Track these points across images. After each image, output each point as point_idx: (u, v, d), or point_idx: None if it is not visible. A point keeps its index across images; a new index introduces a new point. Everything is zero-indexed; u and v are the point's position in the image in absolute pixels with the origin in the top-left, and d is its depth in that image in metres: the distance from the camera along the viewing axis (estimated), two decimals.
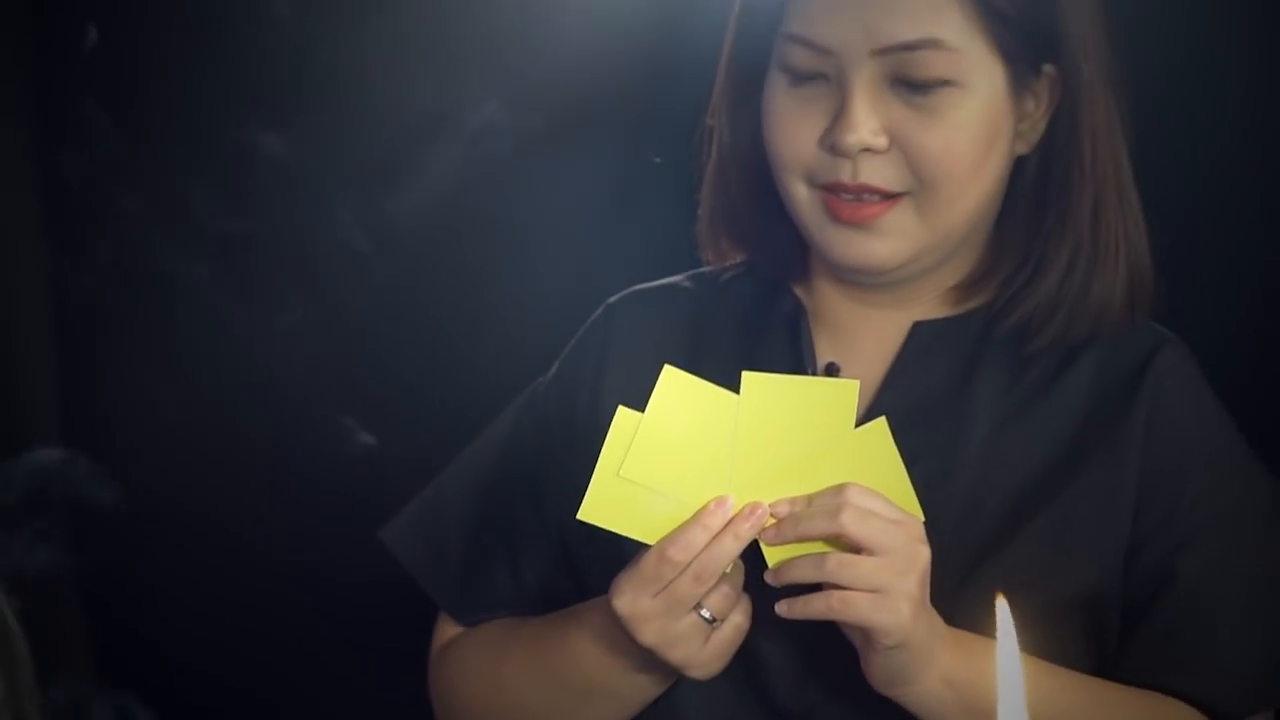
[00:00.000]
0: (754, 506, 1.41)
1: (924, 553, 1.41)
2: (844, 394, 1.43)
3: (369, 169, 2.54)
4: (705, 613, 1.42)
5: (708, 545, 1.40)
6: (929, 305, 1.60)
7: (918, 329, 1.59)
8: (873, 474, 1.43)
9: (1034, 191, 1.58)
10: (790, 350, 1.61)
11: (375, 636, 2.31)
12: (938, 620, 1.45)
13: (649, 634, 1.42)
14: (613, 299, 1.70)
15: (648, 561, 1.40)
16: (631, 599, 1.41)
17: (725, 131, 1.63)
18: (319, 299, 2.61)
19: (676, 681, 1.53)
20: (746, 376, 1.43)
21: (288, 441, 2.56)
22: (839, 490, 1.41)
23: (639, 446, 1.42)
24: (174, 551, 2.72)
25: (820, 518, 1.40)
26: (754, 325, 1.64)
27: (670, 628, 1.41)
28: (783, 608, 1.41)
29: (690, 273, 1.71)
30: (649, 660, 1.46)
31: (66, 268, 3.02)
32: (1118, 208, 1.57)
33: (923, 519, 1.43)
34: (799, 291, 1.64)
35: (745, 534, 1.40)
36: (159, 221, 2.69)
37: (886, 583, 1.39)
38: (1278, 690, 1.55)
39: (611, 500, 1.42)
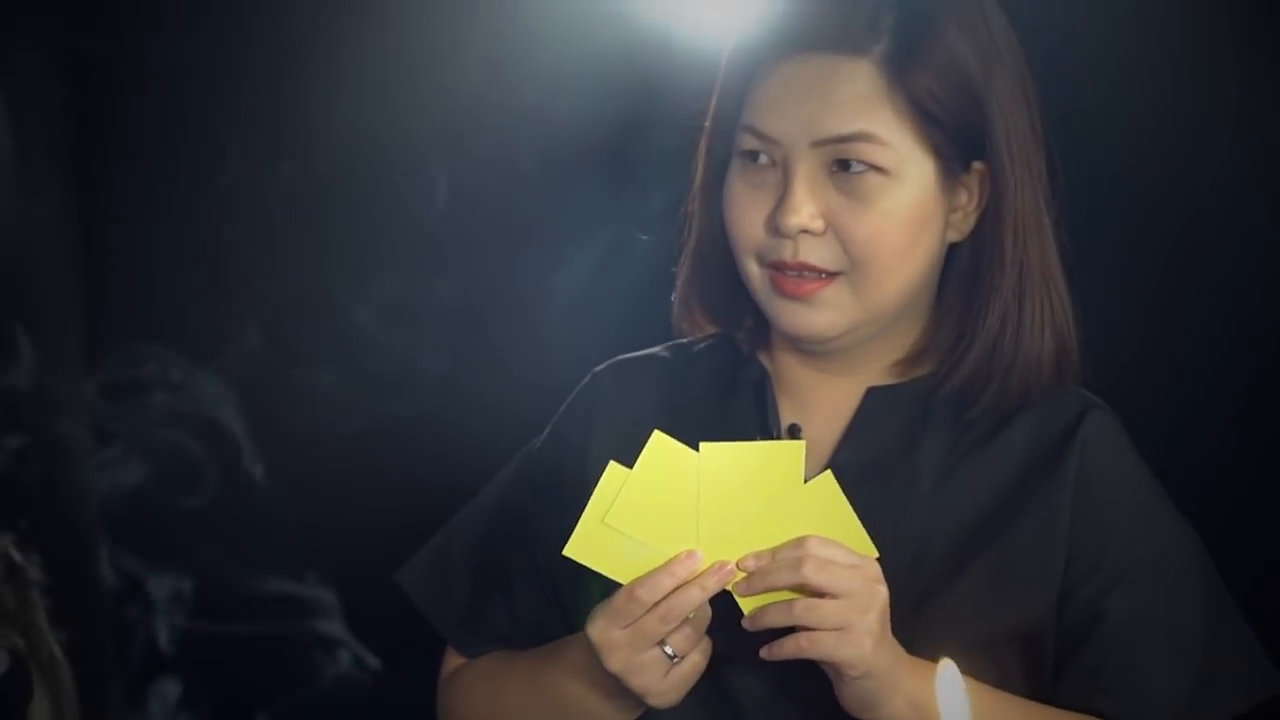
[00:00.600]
0: (722, 564, 1.55)
1: (881, 591, 1.55)
2: (792, 454, 1.57)
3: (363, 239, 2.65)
4: (668, 649, 1.56)
5: (676, 591, 1.54)
6: (879, 373, 1.73)
7: (871, 394, 1.72)
8: (827, 523, 1.56)
9: (967, 275, 1.70)
10: (756, 413, 1.74)
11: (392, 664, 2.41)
12: (900, 650, 1.58)
13: (615, 661, 1.56)
14: (598, 368, 1.83)
15: (619, 598, 1.55)
16: (603, 628, 1.56)
17: (701, 216, 1.76)
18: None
19: (650, 711, 1.66)
20: (704, 447, 1.56)
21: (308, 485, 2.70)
22: (799, 543, 1.54)
23: (624, 499, 1.55)
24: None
25: (785, 570, 1.54)
26: (724, 391, 1.77)
27: (634, 658, 1.55)
28: (764, 652, 1.55)
29: (667, 344, 1.84)
30: (618, 687, 1.59)
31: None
32: (1042, 290, 1.69)
33: (877, 556, 1.56)
34: (764, 360, 1.77)
35: (711, 586, 1.54)
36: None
37: (849, 621, 1.53)
38: (1203, 715, 1.67)
39: (595, 543, 1.56)
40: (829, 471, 1.58)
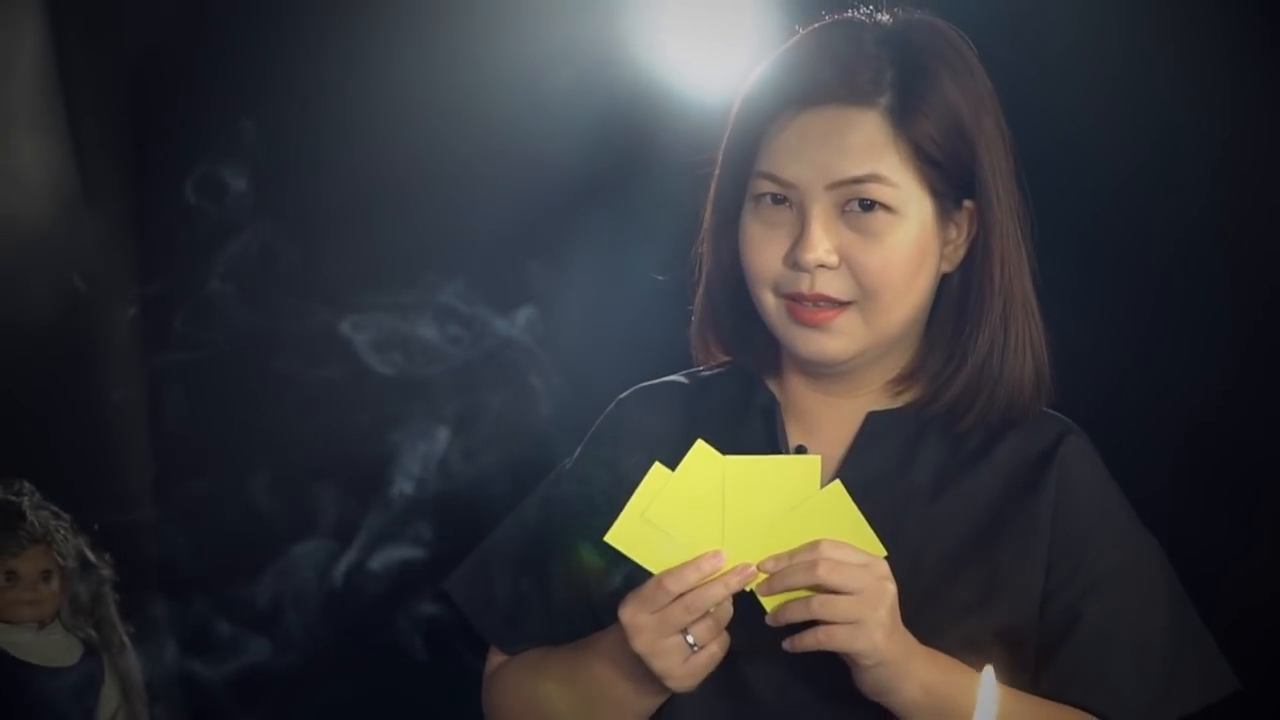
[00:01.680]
0: (744, 566, 1.69)
1: (890, 588, 1.69)
2: (809, 468, 1.71)
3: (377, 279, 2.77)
4: (689, 638, 1.70)
5: (701, 586, 1.68)
6: (875, 395, 1.87)
7: (871, 418, 1.86)
8: (839, 527, 1.70)
9: (956, 303, 1.84)
10: (766, 434, 1.88)
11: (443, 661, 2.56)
12: (912, 640, 1.72)
13: (640, 643, 1.70)
14: (623, 395, 1.97)
15: (649, 585, 1.70)
16: (633, 611, 1.70)
17: (711, 256, 1.89)
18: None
19: (671, 700, 1.80)
20: (729, 460, 1.70)
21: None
22: (813, 547, 1.68)
23: (664, 498, 1.70)
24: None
25: (801, 572, 1.68)
26: (738, 414, 1.91)
27: (657, 642, 1.70)
28: (786, 644, 1.70)
29: (684, 371, 1.98)
30: (642, 672, 1.73)
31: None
32: (1023, 317, 1.83)
33: (885, 555, 1.70)
34: (772, 386, 1.90)
35: (733, 585, 1.69)
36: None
37: (860, 616, 1.67)
38: (1168, 708, 1.81)
39: (633, 534, 1.71)
40: (838, 481, 1.72)
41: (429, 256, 2.76)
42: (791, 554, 1.70)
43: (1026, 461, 1.84)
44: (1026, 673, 1.81)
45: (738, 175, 1.85)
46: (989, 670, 1.46)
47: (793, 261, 1.78)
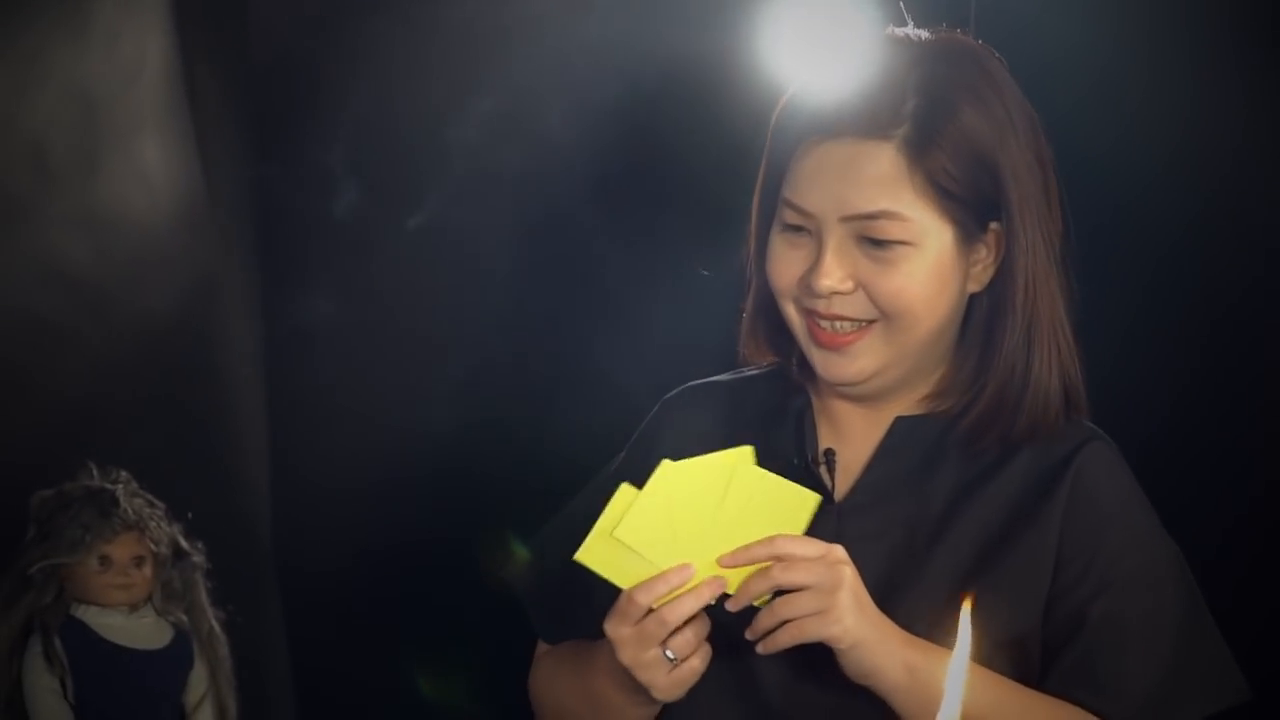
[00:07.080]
0: (716, 578, 1.75)
1: (845, 571, 1.73)
2: (742, 459, 1.79)
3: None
4: (668, 652, 1.76)
5: (673, 601, 1.74)
6: (908, 406, 1.91)
7: (898, 423, 1.91)
8: (764, 496, 1.76)
9: (983, 324, 1.88)
10: (795, 437, 1.93)
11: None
12: (888, 622, 1.76)
13: (624, 656, 1.76)
14: (668, 395, 2.03)
15: (621, 600, 1.77)
16: (613, 625, 1.77)
17: (755, 261, 1.95)
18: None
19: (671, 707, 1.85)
20: (682, 466, 1.78)
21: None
22: (769, 543, 1.74)
23: (631, 516, 1.77)
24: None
25: (760, 581, 1.74)
26: (773, 416, 1.96)
27: (639, 655, 1.75)
28: (760, 648, 1.75)
29: (731, 371, 2.03)
30: (633, 682, 1.78)
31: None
32: (1050, 338, 1.86)
33: (818, 499, 1.76)
34: (810, 390, 1.95)
35: (705, 597, 1.75)
36: None
37: (821, 604, 1.72)
38: (1170, 713, 1.83)
39: (603, 552, 1.78)
40: (747, 451, 1.79)
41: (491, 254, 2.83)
42: (747, 549, 1.75)
43: (1044, 468, 1.87)
44: (1031, 680, 1.83)
45: (771, 192, 1.91)
46: (966, 608, 1.47)
47: (807, 286, 1.84)
